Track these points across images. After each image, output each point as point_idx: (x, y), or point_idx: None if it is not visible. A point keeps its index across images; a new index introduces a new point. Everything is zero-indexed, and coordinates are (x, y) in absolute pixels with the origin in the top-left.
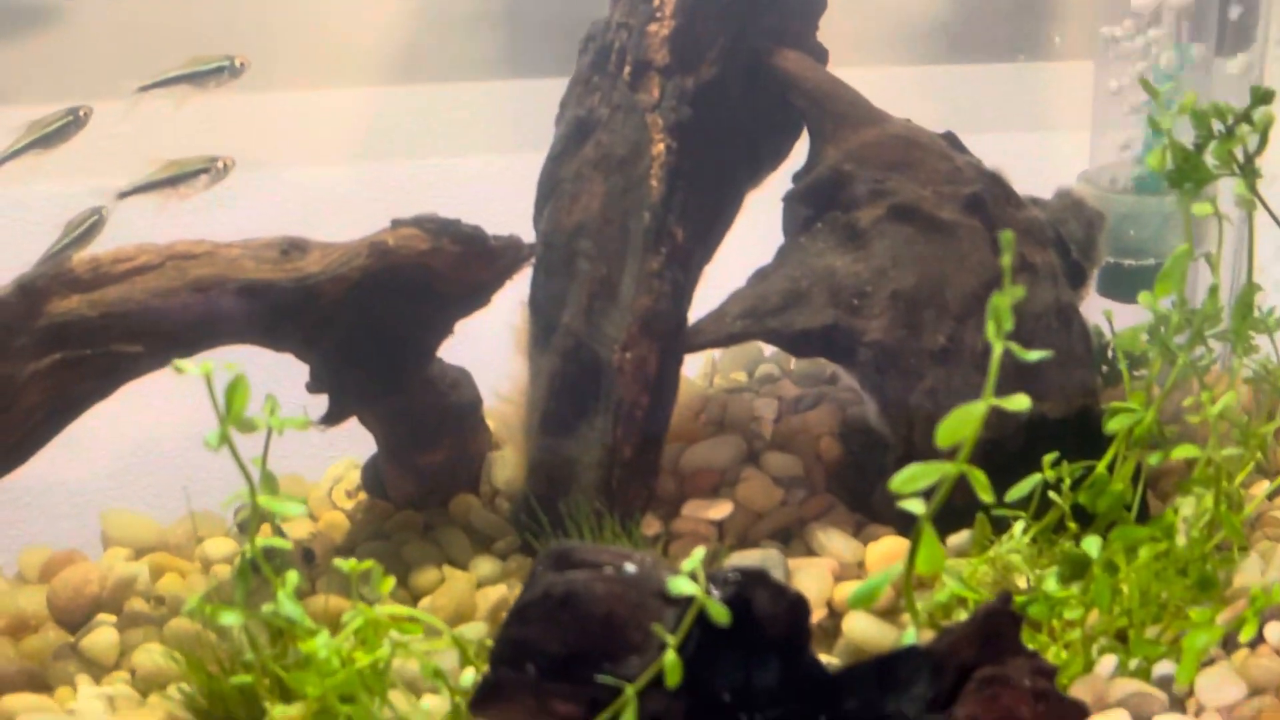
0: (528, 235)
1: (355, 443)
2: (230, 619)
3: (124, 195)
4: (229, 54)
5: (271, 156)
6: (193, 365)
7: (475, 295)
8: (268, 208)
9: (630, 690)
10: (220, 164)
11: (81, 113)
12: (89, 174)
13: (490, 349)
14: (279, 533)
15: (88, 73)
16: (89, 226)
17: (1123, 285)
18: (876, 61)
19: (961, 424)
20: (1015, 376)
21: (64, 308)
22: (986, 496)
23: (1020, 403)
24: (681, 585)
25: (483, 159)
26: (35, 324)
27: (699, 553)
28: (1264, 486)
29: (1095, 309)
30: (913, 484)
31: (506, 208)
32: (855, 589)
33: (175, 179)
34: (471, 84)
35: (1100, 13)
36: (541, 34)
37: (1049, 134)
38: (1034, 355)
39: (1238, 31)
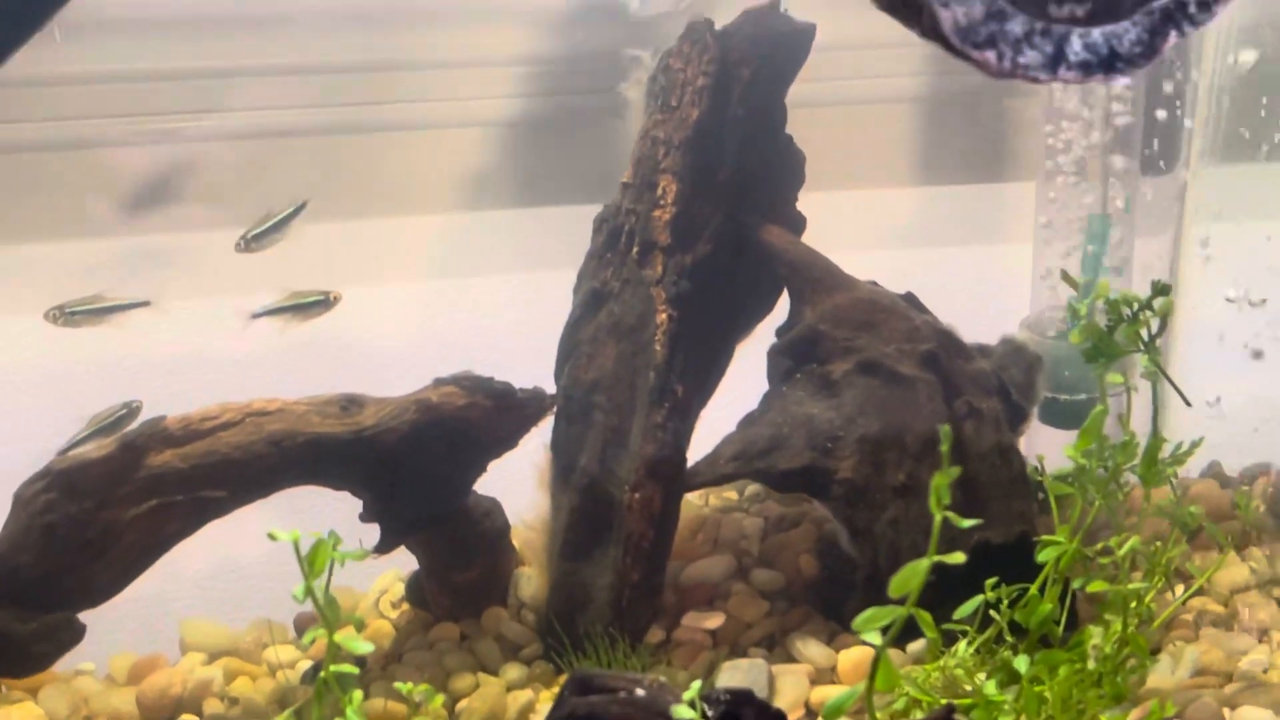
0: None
1: (398, 558)
2: None
3: (256, 316)
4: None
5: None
6: (285, 534)
7: (505, 440)
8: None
9: None
10: (331, 296)
11: None
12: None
13: (517, 482)
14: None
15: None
16: (116, 419)
17: (1060, 416)
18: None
19: (909, 577)
20: (965, 506)
21: (159, 460)
22: (930, 634)
23: (956, 558)
24: (683, 712)
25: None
26: (136, 475)
27: (696, 685)
28: (1179, 591)
29: (1039, 436)
30: (871, 624)
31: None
32: (828, 702)
33: (299, 307)
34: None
35: (1041, 143)
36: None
37: (1001, 246)
38: (967, 523)
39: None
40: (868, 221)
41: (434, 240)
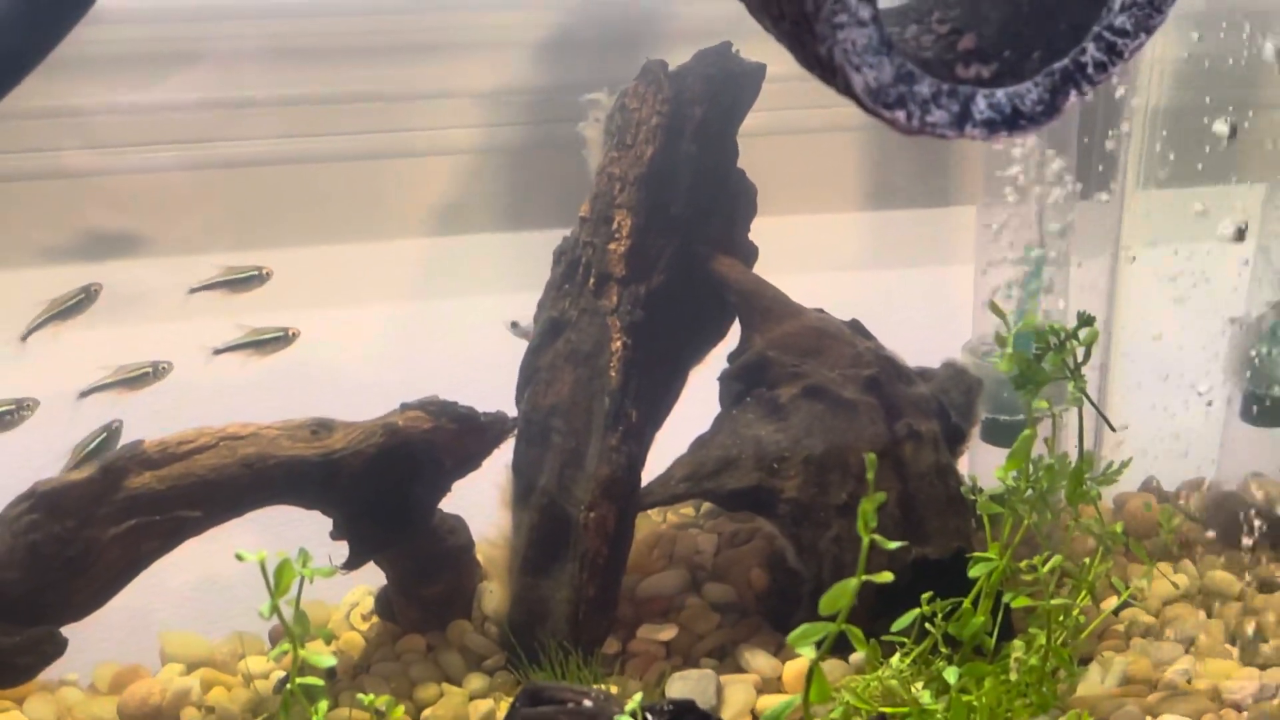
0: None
1: (368, 572)
2: None
3: (218, 352)
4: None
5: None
6: (251, 555)
7: (469, 462)
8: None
9: None
10: (290, 332)
11: None
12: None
13: (481, 501)
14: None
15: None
16: (98, 443)
17: (1001, 436)
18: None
19: (839, 596)
20: (904, 523)
21: (138, 483)
22: (862, 648)
23: (884, 577)
24: None
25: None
26: (115, 497)
27: (638, 697)
28: (1112, 601)
29: (983, 455)
30: (805, 639)
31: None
32: (766, 711)
33: (258, 343)
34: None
35: (983, 166)
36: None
37: (947, 268)
38: (892, 545)
39: (1101, 175)
40: (818, 246)
41: (405, 264)
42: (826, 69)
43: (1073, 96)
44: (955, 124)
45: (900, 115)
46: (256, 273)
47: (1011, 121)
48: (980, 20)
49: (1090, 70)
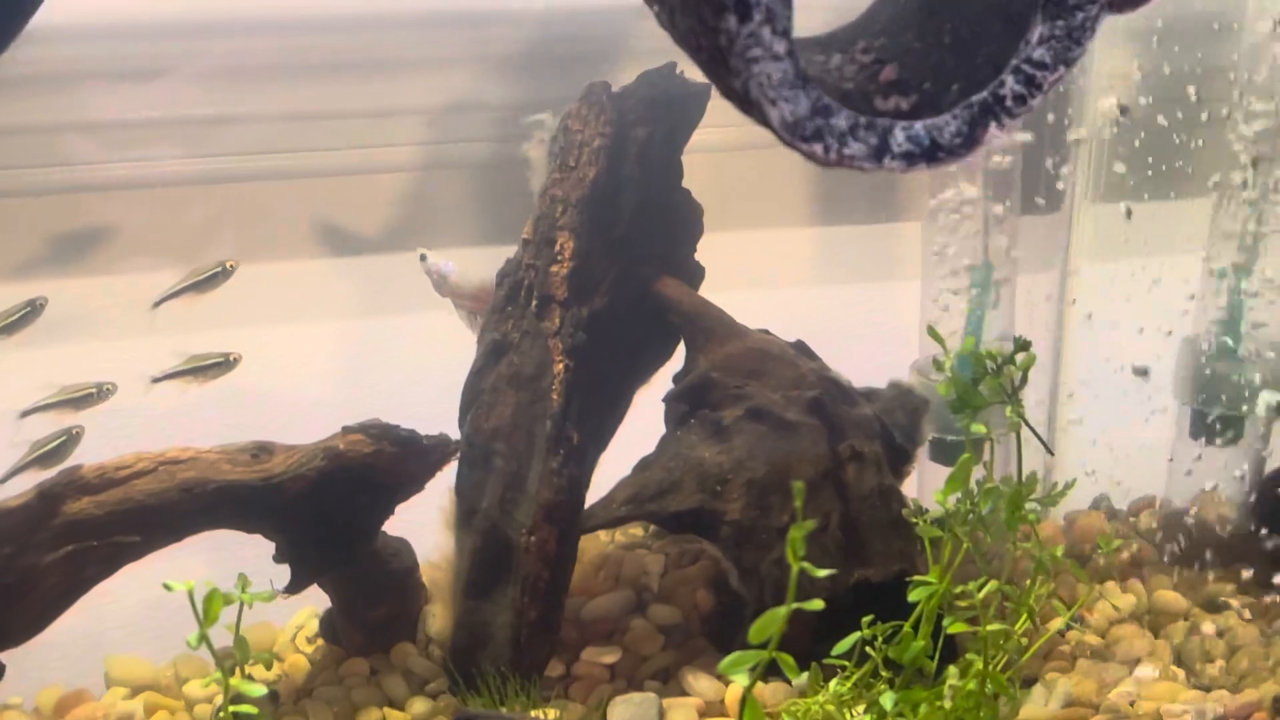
0: None
1: (315, 595)
2: None
3: (156, 380)
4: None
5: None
6: (180, 585)
7: (411, 484)
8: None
9: None
10: (231, 357)
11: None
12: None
13: (427, 523)
14: (249, 679)
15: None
16: (58, 445)
17: (948, 455)
18: (770, 225)
19: (769, 624)
20: (846, 546)
21: (76, 508)
22: (793, 675)
23: (815, 605)
24: None
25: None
26: (53, 522)
27: None
28: (1056, 624)
29: (929, 473)
30: (737, 665)
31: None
32: None
33: (198, 369)
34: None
35: (928, 185)
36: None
37: (897, 284)
38: (822, 572)
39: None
40: (767, 261)
41: (350, 282)
42: (743, 101)
43: (992, 129)
44: (873, 156)
45: (818, 148)
46: (220, 269)
47: (930, 154)
48: (903, 51)
49: (1009, 102)
